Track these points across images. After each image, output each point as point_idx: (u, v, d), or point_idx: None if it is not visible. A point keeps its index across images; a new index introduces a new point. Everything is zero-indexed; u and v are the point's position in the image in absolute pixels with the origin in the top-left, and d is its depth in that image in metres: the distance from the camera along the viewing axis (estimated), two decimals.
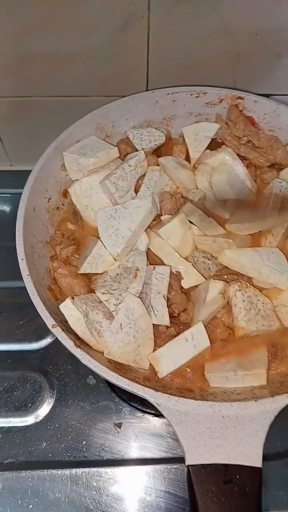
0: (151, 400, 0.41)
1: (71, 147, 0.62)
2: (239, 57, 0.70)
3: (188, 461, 0.37)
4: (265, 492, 0.50)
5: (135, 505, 0.54)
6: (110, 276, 0.53)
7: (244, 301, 0.50)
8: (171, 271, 0.52)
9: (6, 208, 0.82)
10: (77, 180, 0.60)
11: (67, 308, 0.48)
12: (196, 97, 0.67)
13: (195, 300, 0.53)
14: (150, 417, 0.59)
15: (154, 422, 0.59)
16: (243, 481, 0.36)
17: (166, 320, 0.50)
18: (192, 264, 0.54)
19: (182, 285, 0.53)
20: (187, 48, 0.68)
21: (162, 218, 0.58)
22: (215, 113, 0.69)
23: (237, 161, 0.64)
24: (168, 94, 0.67)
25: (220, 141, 0.68)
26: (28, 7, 0.60)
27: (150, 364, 0.48)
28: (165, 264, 0.54)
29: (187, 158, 0.65)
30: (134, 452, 0.57)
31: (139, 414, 0.60)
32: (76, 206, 0.60)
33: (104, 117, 0.65)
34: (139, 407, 0.60)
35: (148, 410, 0.59)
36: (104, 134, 0.66)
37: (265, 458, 0.38)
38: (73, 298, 0.49)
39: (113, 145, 0.63)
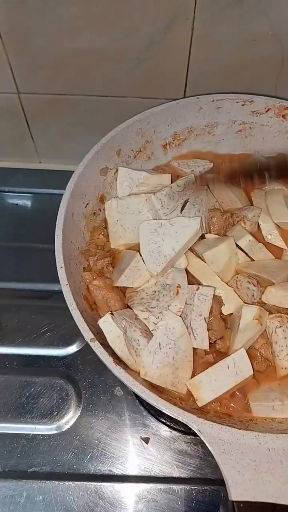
0: (193, 426, 0.39)
1: (111, 151, 0.60)
2: (284, 64, 0.68)
3: (233, 497, 0.36)
4: None
5: None
6: (147, 293, 0.51)
7: (286, 338, 0.48)
8: (214, 293, 0.50)
9: (34, 207, 0.80)
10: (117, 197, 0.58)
11: (107, 324, 0.46)
12: (242, 105, 0.65)
13: (232, 327, 0.51)
14: (178, 434, 0.58)
15: (182, 439, 0.57)
16: None
17: (205, 345, 0.48)
18: (234, 290, 0.52)
19: (222, 311, 0.51)
20: (230, 53, 0.66)
21: (207, 236, 0.55)
22: (260, 123, 0.67)
23: None
24: (213, 101, 0.64)
25: None
26: (70, 3, 0.58)
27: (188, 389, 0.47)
28: (209, 286, 0.51)
29: None
30: (160, 469, 0.56)
31: (167, 429, 0.58)
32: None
33: (146, 122, 0.63)
34: (167, 423, 0.58)
35: (176, 427, 0.58)
36: (144, 139, 0.64)
37: None
38: (112, 313, 0.47)
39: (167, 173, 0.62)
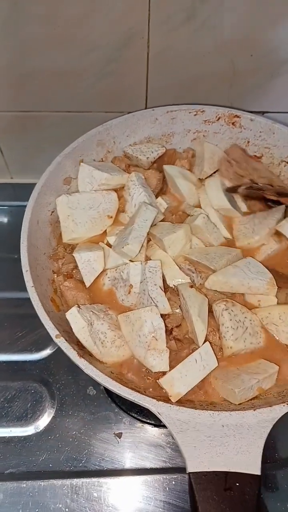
0: (153, 409, 0.42)
1: (74, 161, 0.64)
2: (235, 76, 0.73)
3: (189, 469, 0.38)
4: None
5: None
6: (109, 277, 0.58)
7: (231, 320, 0.51)
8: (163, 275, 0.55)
9: (6, 219, 0.83)
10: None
11: (73, 315, 0.49)
12: (195, 115, 0.70)
13: (185, 315, 0.54)
14: (149, 427, 0.60)
15: (153, 432, 0.60)
16: (243, 488, 0.37)
17: (168, 308, 0.52)
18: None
19: (168, 283, 0.56)
20: (185, 67, 0.71)
21: (163, 223, 0.61)
22: (213, 131, 0.71)
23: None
24: (167, 112, 0.69)
25: None
26: (30, 25, 0.62)
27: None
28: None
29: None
30: (134, 462, 0.58)
31: (139, 424, 0.60)
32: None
33: (106, 133, 0.67)
34: (139, 418, 0.61)
35: (147, 421, 0.60)
36: (105, 149, 0.68)
37: None
38: (79, 307, 0.50)
39: (127, 172, 0.66)
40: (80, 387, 0.63)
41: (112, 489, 0.56)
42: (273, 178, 0.68)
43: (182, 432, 0.41)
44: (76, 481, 0.56)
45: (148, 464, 0.58)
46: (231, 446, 0.40)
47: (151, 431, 0.60)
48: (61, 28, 0.64)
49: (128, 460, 0.58)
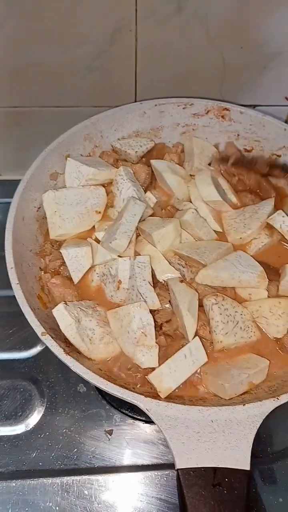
0: (141, 406, 0.42)
1: (60, 156, 0.63)
2: (225, 69, 0.72)
3: (178, 465, 0.38)
4: None
5: None
6: (97, 273, 0.57)
7: (221, 314, 0.51)
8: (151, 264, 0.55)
9: None
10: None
11: (60, 312, 0.49)
12: (183, 108, 0.69)
13: (175, 310, 0.54)
14: (141, 423, 0.59)
15: (145, 428, 0.59)
16: (232, 484, 0.37)
17: (157, 304, 0.51)
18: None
19: (158, 278, 0.55)
20: (174, 61, 0.70)
21: (152, 218, 0.60)
22: (202, 125, 0.71)
23: (221, 178, 0.66)
24: (155, 105, 0.68)
25: None
26: (19, 19, 0.61)
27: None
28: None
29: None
30: (125, 459, 0.57)
31: (130, 421, 0.60)
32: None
33: (93, 127, 0.66)
34: (130, 414, 0.60)
35: (138, 417, 0.60)
36: (92, 144, 0.67)
37: None
38: (66, 303, 0.50)
39: (115, 167, 0.65)
40: (70, 385, 0.62)
41: (103, 486, 0.55)
42: (261, 180, 0.68)
43: (170, 428, 0.40)
44: (66, 479, 0.56)
45: (140, 461, 0.57)
46: (220, 442, 0.39)
47: (143, 428, 0.59)
48: (48, 22, 0.63)
49: (119, 457, 0.57)
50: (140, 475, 0.56)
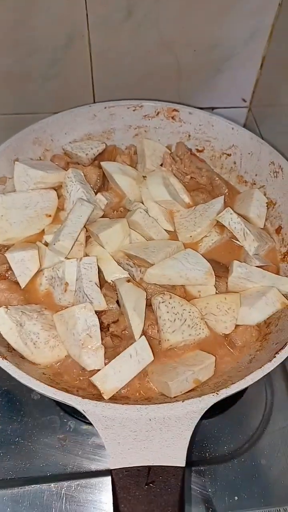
0: (78, 407, 0.41)
1: (8, 161, 0.63)
2: (181, 72, 0.73)
3: (111, 465, 0.37)
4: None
5: None
6: (46, 277, 0.56)
7: (168, 312, 0.51)
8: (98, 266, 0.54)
9: None
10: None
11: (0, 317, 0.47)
12: (134, 110, 0.69)
13: (123, 309, 0.53)
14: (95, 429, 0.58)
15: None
16: (165, 481, 0.36)
17: (103, 305, 0.51)
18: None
19: (106, 279, 0.55)
20: (130, 65, 0.71)
21: (101, 219, 0.60)
22: (153, 126, 0.71)
23: (173, 178, 0.66)
24: (105, 108, 0.68)
25: None
26: None
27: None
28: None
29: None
30: (78, 465, 0.56)
31: (85, 426, 0.59)
32: None
33: (42, 131, 0.66)
34: (85, 420, 0.59)
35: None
36: (43, 148, 0.67)
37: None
38: (7, 307, 0.49)
39: (64, 169, 0.65)
40: (23, 393, 0.61)
41: (56, 493, 0.54)
42: (214, 177, 0.68)
43: (107, 429, 0.39)
44: (18, 490, 0.54)
45: (94, 466, 0.56)
46: (156, 440, 0.39)
47: (97, 433, 0.58)
48: (1, 33, 0.63)
49: (72, 464, 0.56)
50: (93, 480, 0.55)
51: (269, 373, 0.64)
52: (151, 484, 0.35)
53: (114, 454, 0.38)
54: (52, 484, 0.54)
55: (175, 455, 0.38)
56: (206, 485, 0.55)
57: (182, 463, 0.37)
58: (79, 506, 0.53)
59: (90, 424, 0.58)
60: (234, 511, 0.54)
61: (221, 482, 0.56)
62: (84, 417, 0.57)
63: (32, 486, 0.54)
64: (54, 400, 0.59)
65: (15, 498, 0.53)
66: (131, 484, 0.36)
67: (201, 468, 0.57)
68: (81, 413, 0.58)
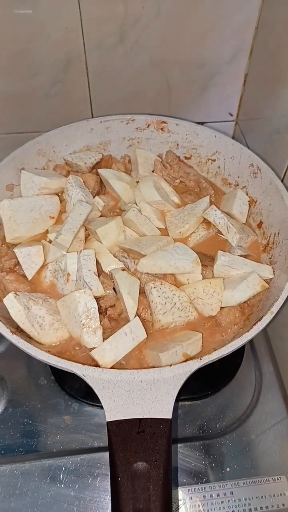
0: (78, 372, 0.46)
1: (15, 170, 0.70)
2: (171, 90, 0.81)
3: (107, 418, 0.42)
4: None
5: (91, 493, 0.57)
6: (50, 270, 0.62)
7: (159, 296, 0.57)
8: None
9: None
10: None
11: (9, 300, 0.54)
12: (126, 123, 0.77)
13: (119, 296, 0.59)
14: (97, 409, 0.63)
15: (101, 414, 0.63)
16: (154, 430, 0.41)
17: (101, 290, 0.57)
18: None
19: (104, 269, 0.61)
20: (124, 85, 0.79)
21: (98, 218, 0.67)
22: (145, 137, 0.79)
23: (164, 182, 0.73)
24: (101, 122, 0.77)
25: None
26: None
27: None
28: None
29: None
30: (83, 442, 0.61)
31: (87, 408, 0.64)
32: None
33: (45, 143, 0.73)
34: (88, 402, 0.64)
35: (95, 403, 0.64)
36: (46, 158, 0.75)
37: None
38: (16, 293, 0.55)
39: (65, 177, 0.72)
40: (31, 379, 0.66)
41: (62, 468, 0.58)
42: (201, 180, 0.75)
43: (104, 389, 0.45)
44: (25, 464, 0.59)
45: (96, 443, 0.61)
46: (147, 397, 0.44)
47: (99, 413, 0.63)
48: (4, 59, 0.72)
49: (76, 441, 0.61)
50: (96, 455, 0.60)
51: (258, 357, 0.69)
52: (141, 433, 0.41)
53: (109, 409, 0.43)
54: (59, 459, 0.59)
55: (162, 409, 0.43)
56: (200, 458, 0.60)
57: (169, 415, 0.42)
58: (83, 478, 0.58)
59: (93, 405, 0.64)
60: (226, 480, 0.58)
61: (214, 455, 0.60)
62: (87, 399, 0.64)
63: (41, 460, 0.59)
64: (59, 385, 0.66)
65: (25, 471, 0.58)
66: (124, 432, 0.41)
67: (196, 443, 0.61)
68: (84, 396, 0.64)
